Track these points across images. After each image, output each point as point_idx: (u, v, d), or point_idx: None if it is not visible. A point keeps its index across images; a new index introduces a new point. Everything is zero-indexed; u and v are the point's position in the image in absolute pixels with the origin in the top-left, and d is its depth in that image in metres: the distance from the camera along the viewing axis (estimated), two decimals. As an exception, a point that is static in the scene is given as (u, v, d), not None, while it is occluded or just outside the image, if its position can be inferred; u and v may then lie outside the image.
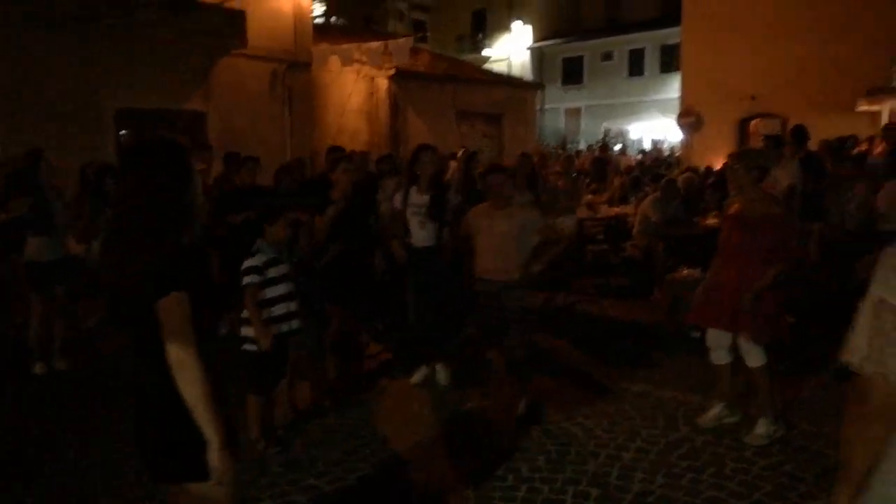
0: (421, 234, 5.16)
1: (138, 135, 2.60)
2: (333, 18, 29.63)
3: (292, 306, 4.18)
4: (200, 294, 2.12)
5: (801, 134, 7.40)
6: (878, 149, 8.59)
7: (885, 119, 15.80)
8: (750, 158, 4.36)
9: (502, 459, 4.00)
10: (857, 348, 1.47)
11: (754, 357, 4.17)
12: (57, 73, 11.16)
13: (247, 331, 4.10)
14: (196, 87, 13.34)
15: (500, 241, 4.41)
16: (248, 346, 4.09)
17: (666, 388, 5.12)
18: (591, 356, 6.01)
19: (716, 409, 4.43)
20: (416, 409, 4.85)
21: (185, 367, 2.03)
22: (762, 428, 4.18)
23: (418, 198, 5.16)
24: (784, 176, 6.62)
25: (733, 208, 4.34)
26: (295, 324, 4.19)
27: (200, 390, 2.04)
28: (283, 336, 4.14)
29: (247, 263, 4.07)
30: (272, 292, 4.10)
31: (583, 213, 9.82)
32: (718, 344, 4.36)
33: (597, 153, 17.04)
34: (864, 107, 14.89)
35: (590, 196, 11.49)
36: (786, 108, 18.64)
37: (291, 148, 14.76)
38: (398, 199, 5.33)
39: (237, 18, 13.36)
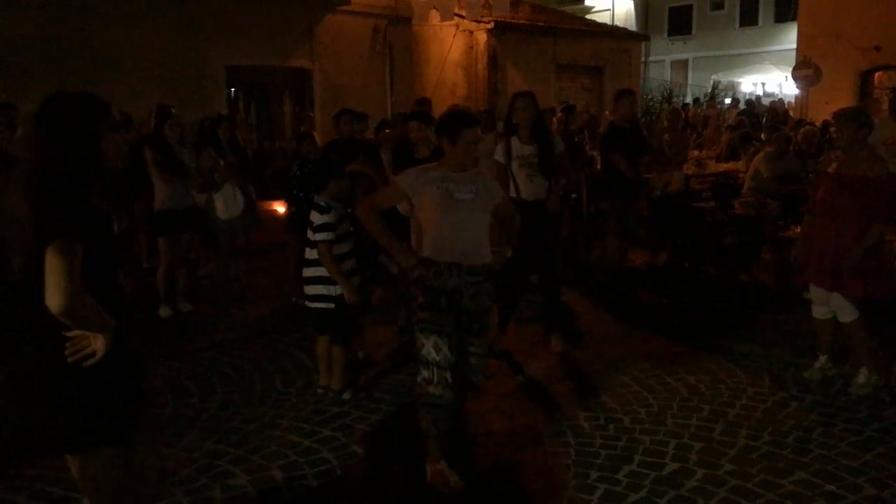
0: (530, 188, 4.87)
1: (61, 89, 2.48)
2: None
3: (354, 262, 4.24)
4: (101, 253, 2.10)
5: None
6: None
7: None
8: (861, 115, 4.21)
9: (604, 410, 4.05)
10: None
11: (847, 312, 4.22)
12: (172, 34, 11.72)
13: (315, 289, 4.15)
14: (301, 45, 13.69)
15: (463, 213, 3.27)
16: (321, 304, 4.16)
17: (774, 348, 5.00)
18: (696, 315, 5.92)
19: (820, 361, 4.47)
20: (516, 356, 4.95)
21: (69, 313, 1.98)
22: (863, 378, 4.24)
23: (523, 149, 4.93)
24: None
25: (832, 166, 4.27)
26: (357, 280, 4.24)
27: (89, 321, 2.04)
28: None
29: (320, 220, 4.06)
30: (339, 249, 4.13)
31: (690, 169, 9.52)
32: (820, 300, 4.37)
33: (773, 105, 16.29)
34: None
35: (696, 152, 11.11)
36: (916, 59, 17.23)
37: (392, 103, 14.95)
38: (499, 151, 5.02)
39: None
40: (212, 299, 6.46)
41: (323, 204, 4.14)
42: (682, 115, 12.32)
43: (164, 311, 6.02)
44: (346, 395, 4.28)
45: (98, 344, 2.06)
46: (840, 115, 4.29)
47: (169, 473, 3.43)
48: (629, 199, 6.57)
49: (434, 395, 3.18)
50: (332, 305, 4.17)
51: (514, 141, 4.95)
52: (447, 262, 3.22)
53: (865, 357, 4.27)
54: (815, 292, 4.39)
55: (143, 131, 8.45)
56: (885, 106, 10.68)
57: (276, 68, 13.50)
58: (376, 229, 3.31)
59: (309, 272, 4.22)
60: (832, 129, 4.43)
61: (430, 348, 3.17)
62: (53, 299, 1.94)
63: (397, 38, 15.44)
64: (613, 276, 6.67)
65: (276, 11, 13.01)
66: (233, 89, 13.73)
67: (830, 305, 4.30)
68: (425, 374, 3.20)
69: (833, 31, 18.80)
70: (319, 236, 4.07)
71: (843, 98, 17.34)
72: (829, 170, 4.28)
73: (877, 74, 19.33)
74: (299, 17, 13.49)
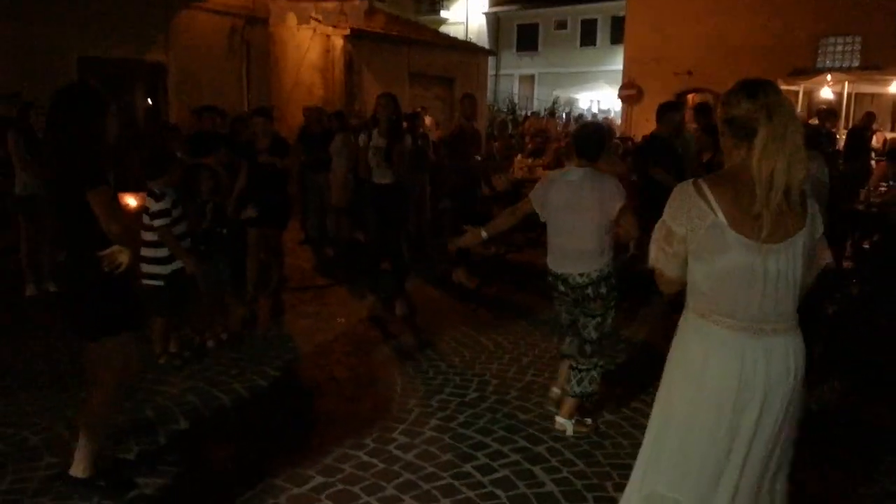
0: (378, 173, 6.00)
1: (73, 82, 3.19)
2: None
3: (188, 243, 4.79)
4: None
5: (704, 110, 8.57)
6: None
7: (801, 100, 17.09)
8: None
9: (427, 360, 4.99)
10: (651, 252, 2.19)
11: None
12: (21, 21, 11.50)
13: (150, 269, 4.66)
14: (157, 39, 13.76)
15: None
16: (150, 282, 4.65)
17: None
18: (515, 293, 7.03)
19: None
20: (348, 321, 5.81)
21: (119, 235, 2.99)
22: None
23: (378, 140, 5.95)
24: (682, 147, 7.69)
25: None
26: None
27: (130, 236, 3.07)
28: (181, 270, 4.70)
29: (157, 206, 4.55)
30: (175, 231, 4.65)
31: (520, 174, 10.85)
32: None
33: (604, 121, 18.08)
34: (784, 86, 16.12)
35: (529, 160, 12.50)
36: (719, 84, 19.75)
37: (249, 100, 15.29)
38: (361, 140, 6.11)
39: (198, -28, 13.72)
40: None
41: (157, 191, 4.63)
42: (511, 126, 13.77)
43: (30, 290, 6.35)
44: (161, 360, 4.79)
45: (125, 257, 2.98)
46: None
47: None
48: None
49: None
50: (161, 283, 4.68)
51: (374, 133, 5.98)
52: None
53: None
54: None
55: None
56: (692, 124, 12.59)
57: (129, 61, 13.49)
58: None
59: (146, 252, 4.67)
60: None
61: None
62: (109, 230, 2.94)
63: (255, 38, 15.81)
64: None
65: (131, 4, 13.05)
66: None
67: None
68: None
69: (653, 57, 21.24)
70: (158, 222, 4.58)
71: (660, 116, 19.75)
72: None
73: (690, 96, 22.06)
74: (155, 10, 13.58)
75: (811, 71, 18.02)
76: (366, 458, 3.56)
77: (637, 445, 3.70)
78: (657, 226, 2.16)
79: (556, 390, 4.23)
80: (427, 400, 4.29)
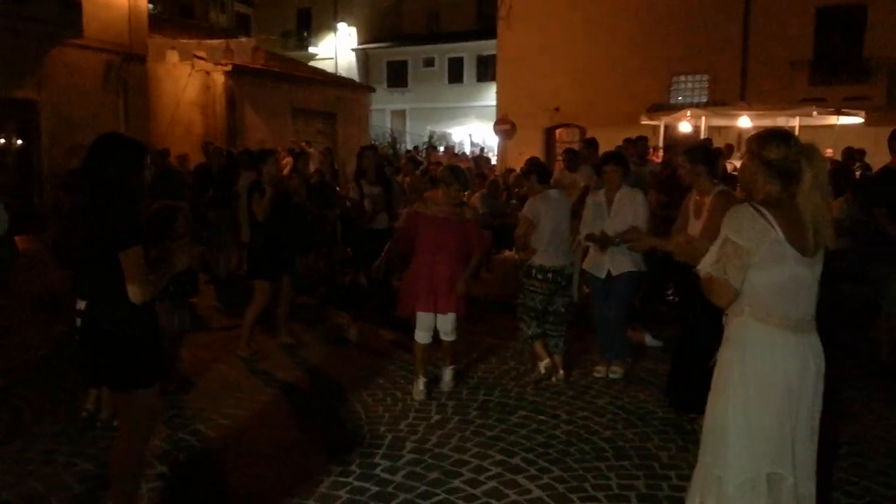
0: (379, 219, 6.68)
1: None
2: (151, 6, 28.72)
3: None
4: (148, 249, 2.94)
5: (592, 144, 9.36)
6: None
7: (662, 132, 18.74)
8: (459, 175, 5.27)
9: (380, 390, 5.18)
10: (708, 262, 2.53)
11: (454, 331, 5.12)
12: None
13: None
14: (27, 75, 13.10)
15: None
16: None
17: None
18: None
19: (420, 383, 5.04)
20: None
21: (142, 298, 2.84)
22: (448, 376, 5.20)
23: (370, 189, 6.58)
24: (580, 179, 8.37)
25: (427, 212, 5.11)
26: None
27: (152, 293, 2.89)
28: None
29: None
30: None
31: (420, 207, 11.26)
32: (424, 326, 5.05)
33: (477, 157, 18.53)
34: (646, 121, 17.60)
35: (429, 193, 12.95)
36: (584, 120, 21.41)
37: (128, 139, 14.78)
38: (353, 190, 6.70)
39: (72, 7, 13.30)
40: None
41: None
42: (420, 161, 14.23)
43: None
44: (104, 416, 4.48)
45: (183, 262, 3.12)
46: (450, 172, 5.28)
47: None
48: None
49: None
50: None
51: (363, 183, 6.62)
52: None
53: (452, 359, 5.26)
54: (421, 320, 5.02)
55: None
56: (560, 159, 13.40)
57: (-2, 98, 12.75)
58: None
59: None
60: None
61: None
62: (130, 290, 2.82)
63: (132, 75, 15.36)
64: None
65: (1, 41, 12.36)
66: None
67: (441, 327, 5.03)
68: None
69: (524, 93, 22.51)
70: None
71: (532, 149, 20.88)
72: (426, 213, 5.08)
73: (557, 131, 23.55)
74: (25, 46, 12.92)
75: (667, 106, 19.82)
76: (357, 483, 3.72)
77: (600, 450, 4.13)
78: (719, 242, 2.53)
79: (544, 363, 5.36)
80: (395, 425, 4.49)
